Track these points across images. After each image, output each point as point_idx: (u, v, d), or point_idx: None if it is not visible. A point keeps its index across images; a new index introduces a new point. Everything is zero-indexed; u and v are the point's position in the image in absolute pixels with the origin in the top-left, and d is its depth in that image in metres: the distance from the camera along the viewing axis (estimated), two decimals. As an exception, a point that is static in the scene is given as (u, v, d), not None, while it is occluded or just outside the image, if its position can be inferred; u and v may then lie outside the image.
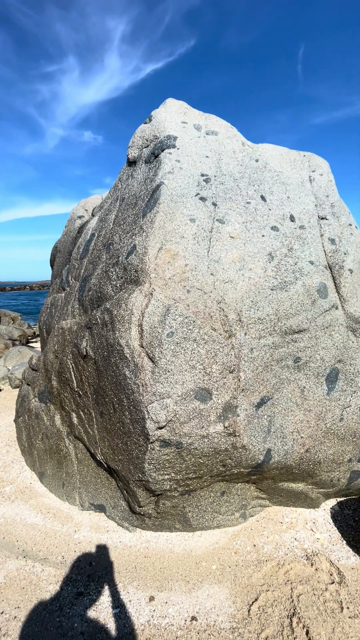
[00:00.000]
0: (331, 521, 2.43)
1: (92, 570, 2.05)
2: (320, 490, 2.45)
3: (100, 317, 2.03)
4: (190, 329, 1.78)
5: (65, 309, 2.88)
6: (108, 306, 2.00)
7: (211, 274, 2.01)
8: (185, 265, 1.94)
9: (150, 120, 2.79)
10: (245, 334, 1.92)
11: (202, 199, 2.31)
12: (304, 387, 2.22)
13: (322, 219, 2.84)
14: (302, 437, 2.19)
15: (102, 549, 2.21)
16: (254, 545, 2.19)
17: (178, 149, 2.52)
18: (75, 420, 2.50)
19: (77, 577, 2.00)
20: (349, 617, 1.68)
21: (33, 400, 3.15)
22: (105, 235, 2.69)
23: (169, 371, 1.73)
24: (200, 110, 2.98)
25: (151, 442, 1.73)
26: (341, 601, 1.77)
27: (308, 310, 2.16)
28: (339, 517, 2.46)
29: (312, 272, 2.28)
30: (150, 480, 1.84)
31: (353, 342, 2.46)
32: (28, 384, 3.30)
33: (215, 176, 2.49)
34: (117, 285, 2.11)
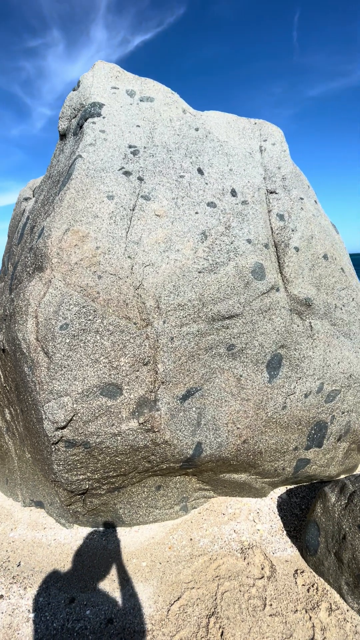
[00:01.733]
0: (276, 510, 2.36)
1: (19, 571, 1.98)
2: (265, 480, 2.36)
3: (8, 308, 1.87)
4: (90, 320, 1.62)
5: (1, 299, 2.70)
6: (12, 296, 1.83)
7: (129, 257, 1.83)
8: (96, 248, 1.76)
9: (78, 86, 2.52)
10: (164, 322, 1.76)
11: (126, 173, 2.09)
12: (241, 376, 2.09)
13: (272, 192, 2.62)
14: (238, 428, 2.08)
15: (34, 548, 2.13)
16: (190, 539, 2.11)
17: (104, 117, 2.27)
18: (7, 416, 2.38)
19: (0, 580, 1.93)
20: (270, 615, 1.61)
21: (-22, 395, 3.02)
22: (33, 218, 2.48)
23: (65, 367, 1.58)
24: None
25: (54, 443, 1.61)
26: (265, 598, 1.70)
27: (240, 293, 1.99)
28: (285, 506, 2.39)
29: (247, 252, 2.09)
30: (62, 481, 1.73)
31: (298, 326, 2.31)
32: (-26, 378, 3.15)
33: (145, 147, 2.26)
34: (30, 272, 1.93)
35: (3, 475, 2.69)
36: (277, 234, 2.43)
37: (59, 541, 2.16)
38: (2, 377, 2.30)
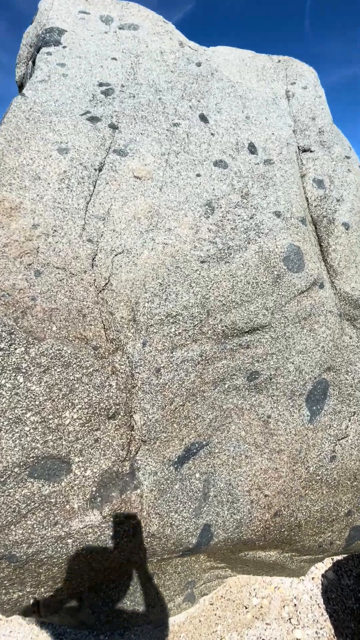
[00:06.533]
0: (321, 601, 1.66)
1: None
2: (304, 557, 1.66)
3: None
4: (3, 349, 0.96)
5: None
6: None
7: (89, 240, 1.16)
8: (32, 227, 1.10)
9: (35, 15, 1.86)
10: (145, 343, 1.08)
11: (93, 119, 1.42)
12: (269, 417, 1.39)
13: (305, 151, 1.90)
14: (266, 496, 1.38)
15: None
16: (198, 656, 1.44)
17: (64, 47, 1.60)
18: None
19: None
20: None
21: None
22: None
23: None
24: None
25: None
26: None
27: (267, 293, 1.28)
28: (334, 593, 1.69)
29: (276, 230, 1.38)
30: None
31: (351, 338, 1.59)
32: None
33: (123, 86, 1.58)
34: None
35: None
36: (315, 206, 1.72)
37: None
38: None
